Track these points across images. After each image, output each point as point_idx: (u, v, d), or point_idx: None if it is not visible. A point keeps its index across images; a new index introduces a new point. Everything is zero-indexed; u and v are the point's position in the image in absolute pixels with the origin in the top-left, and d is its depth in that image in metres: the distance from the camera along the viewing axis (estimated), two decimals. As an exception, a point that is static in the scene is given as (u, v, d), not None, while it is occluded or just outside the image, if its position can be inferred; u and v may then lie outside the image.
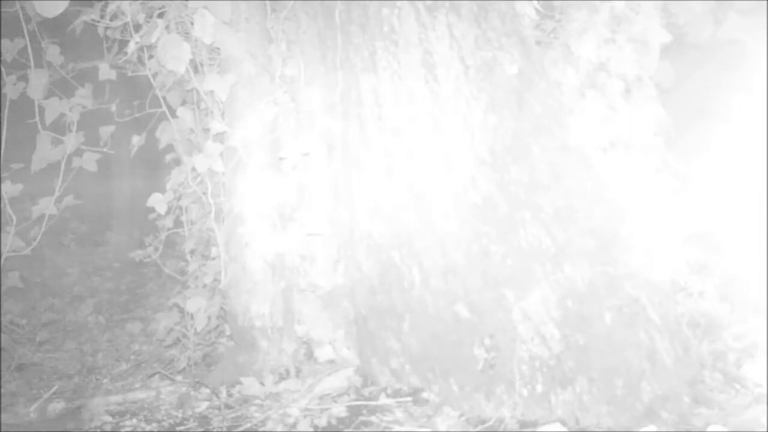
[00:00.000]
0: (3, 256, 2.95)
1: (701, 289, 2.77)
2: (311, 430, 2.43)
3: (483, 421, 2.35)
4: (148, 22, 2.73)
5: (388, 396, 2.54)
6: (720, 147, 2.94)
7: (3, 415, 2.73)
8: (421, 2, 2.50)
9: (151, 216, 2.98)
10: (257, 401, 2.66)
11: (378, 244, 2.60)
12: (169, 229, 3.04)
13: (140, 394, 2.83)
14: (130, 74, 2.97)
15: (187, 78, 2.78)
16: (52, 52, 3.01)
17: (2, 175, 2.95)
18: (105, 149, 3.11)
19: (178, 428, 2.55)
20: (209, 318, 2.94)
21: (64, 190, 3.01)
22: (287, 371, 2.82)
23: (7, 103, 2.94)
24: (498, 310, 2.39)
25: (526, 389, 2.34)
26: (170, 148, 3.08)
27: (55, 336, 3.74)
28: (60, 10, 2.60)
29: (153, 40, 2.66)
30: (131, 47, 2.77)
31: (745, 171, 2.93)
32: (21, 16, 2.85)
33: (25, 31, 2.88)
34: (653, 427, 2.20)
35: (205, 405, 2.69)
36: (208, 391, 2.77)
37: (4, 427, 2.65)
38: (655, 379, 2.31)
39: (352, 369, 2.74)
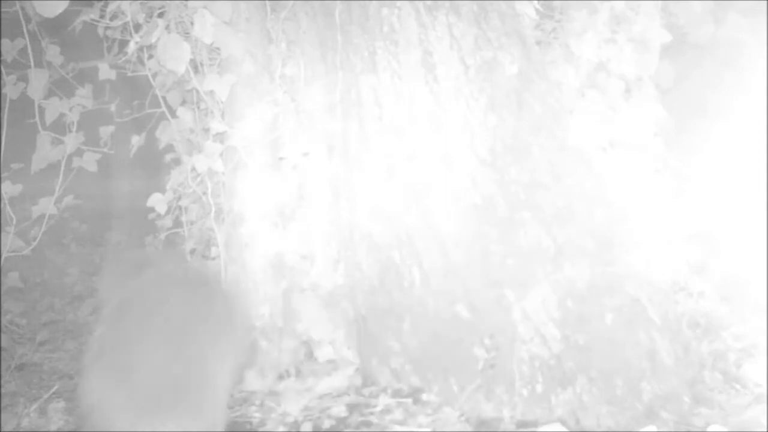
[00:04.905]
0: (3, 256, 2.95)
1: (701, 289, 2.77)
2: (311, 430, 2.42)
3: (483, 421, 2.35)
4: (148, 22, 2.73)
5: (387, 395, 2.54)
6: (720, 147, 2.94)
7: (3, 415, 2.73)
8: (421, 2, 2.50)
9: (151, 216, 2.98)
10: (257, 401, 2.66)
11: (378, 244, 2.60)
12: (168, 229, 3.04)
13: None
14: (130, 74, 2.97)
15: (187, 78, 2.78)
16: (52, 52, 3.00)
17: (2, 175, 2.94)
18: (105, 149, 3.11)
19: (178, 428, 2.54)
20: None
21: (64, 190, 3.00)
22: (287, 371, 2.81)
23: (7, 103, 2.94)
24: (498, 310, 2.39)
25: (526, 389, 2.34)
26: (170, 148, 3.08)
27: (55, 336, 3.74)
28: (60, 10, 2.60)
29: (153, 40, 2.66)
30: (131, 47, 2.76)
31: (745, 171, 2.93)
32: (21, 16, 2.85)
33: (25, 31, 2.87)
34: (653, 427, 2.20)
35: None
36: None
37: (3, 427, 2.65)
38: (655, 379, 2.31)
39: (352, 369, 2.74)
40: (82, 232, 5.39)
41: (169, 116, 2.97)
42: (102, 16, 2.80)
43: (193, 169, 2.79)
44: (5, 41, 2.94)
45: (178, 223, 3.03)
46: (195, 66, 2.80)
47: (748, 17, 3.10)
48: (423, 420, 2.39)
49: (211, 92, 2.77)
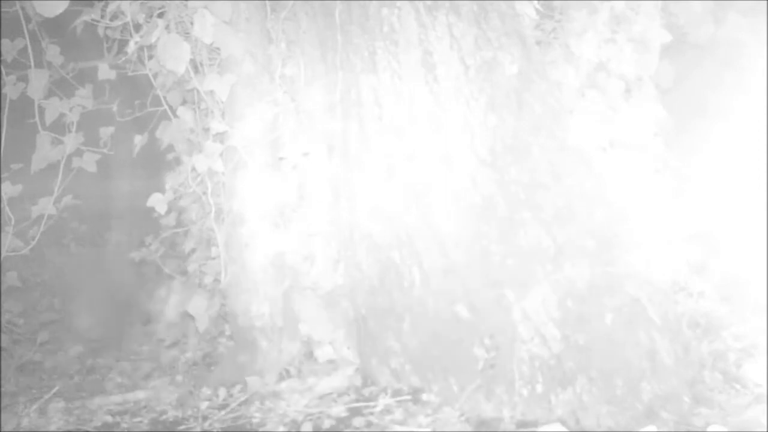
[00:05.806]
0: (2, 256, 2.95)
1: (701, 289, 2.77)
2: (311, 430, 2.42)
3: (483, 421, 2.35)
4: (148, 22, 2.73)
5: (387, 395, 2.54)
6: (720, 146, 2.95)
7: (3, 415, 2.74)
8: (421, 2, 2.50)
9: (154, 215, 2.98)
10: (257, 401, 2.66)
11: (378, 244, 2.60)
12: (172, 227, 3.05)
13: (140, 394, 2.83)
14: (130, 74, 2.97)
15: (187, 78, 2.78)
16: (52, 52, 3.01)
17: (2, 175, 2.95)
18: (105, 150, 3.11)
19: (178, 428, 2.55)
20: (209, 318, 2.95)
21: (64, 190, 3.01)
22: (287, 371, 2.82)
23: (7, 103, 2.94)
24: (498, 310, 2.39)
25: (526, 389, 2.34)
26: (171, 147, 3.08)
27: (55, 336, 3.74)
28: (60, 10, 2.60)
29: (153, 40, 2.67)
30: (131, 47, 2.77)
31: (745, 171, 2.94)
32: (21, 16, 2.85)
33: (25, 31, 2.88)
34: (653, 427, 2.20)
35: (205, 405, 2.69)
36: (208, 391, 2.77)
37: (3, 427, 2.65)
38: (655, 379, 2.31)
39: (352, 369, 2.74)
40: (81, 232, 5.39)
41: (171, 116, 2.97)
42: (102, 16, 2.80)
43: (193, 169, 2.80)
44: (5, 41, 2.94)
45: (179, 223, 3.04)
46: (195, 66, 2.80)
47: (748, 17, 3.10)
48: (423, 420, 2.39)
49: (211, 92, 2.77)
